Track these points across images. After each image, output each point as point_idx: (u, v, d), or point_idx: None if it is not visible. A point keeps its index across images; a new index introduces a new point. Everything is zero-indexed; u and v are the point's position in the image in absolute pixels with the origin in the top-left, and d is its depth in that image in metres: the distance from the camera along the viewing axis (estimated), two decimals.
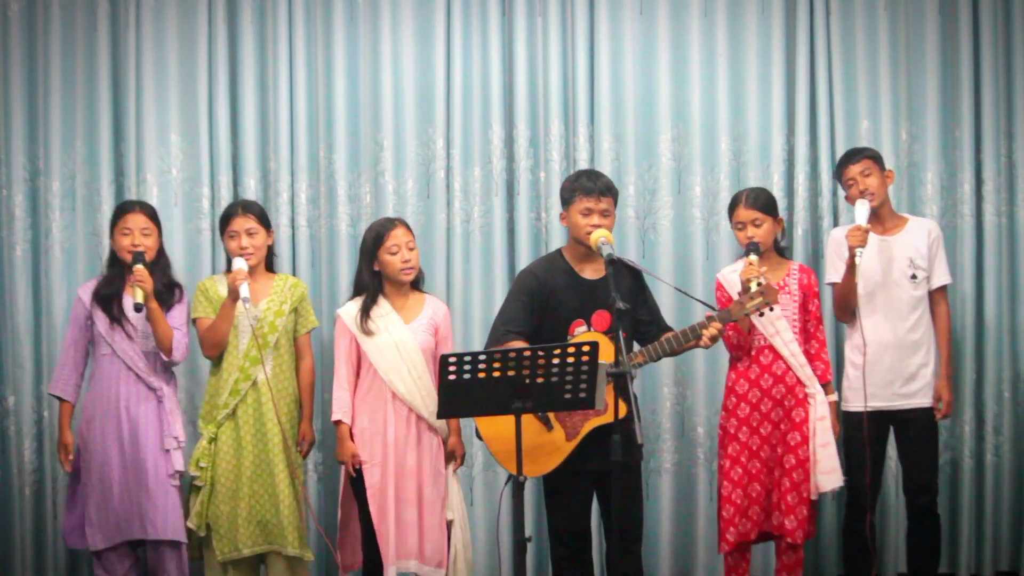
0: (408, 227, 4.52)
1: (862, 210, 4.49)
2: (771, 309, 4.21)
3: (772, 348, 4.45)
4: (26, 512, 5.13)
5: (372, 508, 4.37)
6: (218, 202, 5.14)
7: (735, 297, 4.33)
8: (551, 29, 5.18)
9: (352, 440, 4.45)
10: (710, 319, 4.11)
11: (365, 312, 4.44)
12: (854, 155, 4.67)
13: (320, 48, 5.20)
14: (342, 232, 5.18)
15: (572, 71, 5.18)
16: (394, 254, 4.42)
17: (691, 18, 5.20)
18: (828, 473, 4.38)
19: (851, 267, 4.46)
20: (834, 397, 4.55)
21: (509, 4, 5.20)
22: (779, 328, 4.43)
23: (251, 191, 5.14)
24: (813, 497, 4.40)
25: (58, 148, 5.16)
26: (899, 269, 4.60)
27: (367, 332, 4.43)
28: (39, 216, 5.16)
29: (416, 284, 4.56)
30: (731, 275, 4.53)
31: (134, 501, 4.48)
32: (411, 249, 4.46)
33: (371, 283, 4.47)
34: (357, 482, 4.45)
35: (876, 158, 4.65)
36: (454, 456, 4.52)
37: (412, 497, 4.41)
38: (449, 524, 4.47)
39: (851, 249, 4.42)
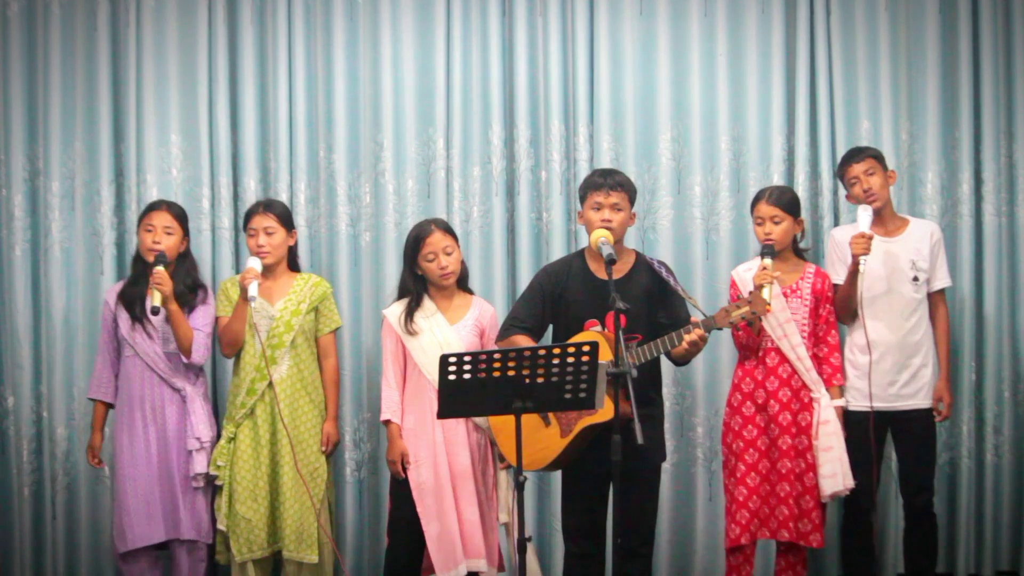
0: (446, 230, 4.47)
1: (864, 216, 4.46)
2: (760, 319, 4.18)
3: (779, 351, 4.43)
4: (25, 512, 5.13)
5: (419, 508, 4.33)
6: (218, 202, 5.14)
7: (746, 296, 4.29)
8: (551, 29, 5.17)
9: (401, 439, 4.42)
10: (694, 325, 4.04)
11: (409, 315, 4.43)
12: (857, 154, 4.65)
13: (320, 48, 5.20)
14: (342, 232, 5.18)
15: (572, 71, 5.18)
16: (431, 261, 4.41)
17: (691, 18, 5.20)
18: (830, 477, 4.36)
19: (854, 273, 4.45)
20: (842, 401, 4.50)
21: (509, 4, 5.20)
22: (787, 331, 4.41)
23: (251, 191, 5.13)
24: (823, 501, 4.38)
25: (58, 148, 5.16)
26: (901, 271, 4.58)
27: (411, 333, 4.41)
28: (38, 216, 5.16)
29: (463, 283, 4.54)
30: (745, 274, 4.52)
31: (160, 501, 4.49)
32: (449, 254, 4.42)
33: (414, 287, 4.46)
34: (401, 483, 4.40)
35: (879, 157, 4.64)
36: (503, 456, 4.46)
37: (471, 496, 4.37)
38: (503, 526, 4.46)
39: (855, 257, 4.40)
